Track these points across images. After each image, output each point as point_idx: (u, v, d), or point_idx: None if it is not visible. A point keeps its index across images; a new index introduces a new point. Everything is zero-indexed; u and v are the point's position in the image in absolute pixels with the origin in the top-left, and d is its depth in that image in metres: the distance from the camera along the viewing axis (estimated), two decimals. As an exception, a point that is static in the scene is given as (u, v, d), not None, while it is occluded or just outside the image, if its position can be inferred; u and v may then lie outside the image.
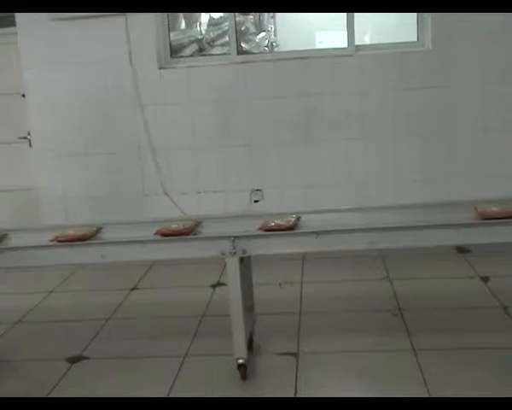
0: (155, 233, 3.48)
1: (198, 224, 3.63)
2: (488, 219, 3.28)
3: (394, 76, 5.59)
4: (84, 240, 3.51)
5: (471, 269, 4.94)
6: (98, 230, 3.68)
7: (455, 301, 4.38)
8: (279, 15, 6.94)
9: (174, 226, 3.54)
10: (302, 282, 4.91)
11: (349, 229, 3.35)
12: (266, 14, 6.77)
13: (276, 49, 6.64)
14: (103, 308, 4.64)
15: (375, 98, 5.62)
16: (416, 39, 5.74)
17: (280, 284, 4.85)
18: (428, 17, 5.54)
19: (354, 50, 5.67)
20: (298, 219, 3.53)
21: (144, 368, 3.67)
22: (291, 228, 3.40)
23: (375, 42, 6.07)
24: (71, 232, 3.59)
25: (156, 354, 3.85)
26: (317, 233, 3.33)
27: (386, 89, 5.60)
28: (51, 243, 3.51)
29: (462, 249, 5.25)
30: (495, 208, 3.36)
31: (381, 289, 4.69)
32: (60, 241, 3.51)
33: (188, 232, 3.47)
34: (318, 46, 6.75)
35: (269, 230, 3.39)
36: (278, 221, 3.46)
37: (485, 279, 4.72)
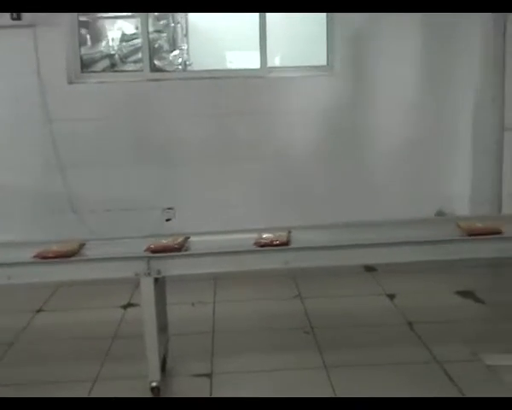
0: (146, 249, 3.39)
1: (187, 239, 3.56)
2: (473, 235, 3.44)
3: (305, 98, 5.70)
4: (69, 256, 3.39)
5: (378, 287, 5.09)
6: (81, 245, 3.55)
7: (364, 319, 4.50)
8: (192, 34, 6.96)
9: (165, 241, 3.48)
10: (215, 301, 4.89)
11: (264, 250, 3.37)
12: (180, 31, 6.78)
13: (189, 68, 6.64)
14: (6, 332, 4.42)
15: (287, 120, 5.71)
16: (325, 63, 5.89)
17: (193, 304, 4.81)
18: (338, 41, 5.71)
19: (267, 72, 5.76)
20: (288, 234, 3.53)
21: (51, 394, 3.51)
22: (286, 243, 3.41)
23: (287, 64, 6.18)
24: (54, 248, 3.45)
25: (64, 380, 3.71)
26: (230, 253, 3.35)
27: (298, 110, 5.70)
28: (37, 260, 3.37)
29: (369, 268, 5.38)
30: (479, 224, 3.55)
31: (293, 307, 4.74)
32: (44, 257, 3.37)
33: (179, 248, 3.41)
34: (229, 65, 6.83)
35: (264, 245, 3.39)
36: (271, 236, 3.46)
37: (391, 296, 4.88)
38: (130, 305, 4.84)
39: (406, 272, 4.81)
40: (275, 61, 6.56)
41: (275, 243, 3.41)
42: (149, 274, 3.23)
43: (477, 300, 4.77)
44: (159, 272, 3.25)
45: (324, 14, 5.80)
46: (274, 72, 5.81)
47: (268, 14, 5.71)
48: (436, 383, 3.50)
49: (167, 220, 5.67)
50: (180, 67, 6.59)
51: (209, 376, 3.66)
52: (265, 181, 5.73)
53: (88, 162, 5.63)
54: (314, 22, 5.99)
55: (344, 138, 5.75)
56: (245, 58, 6.45)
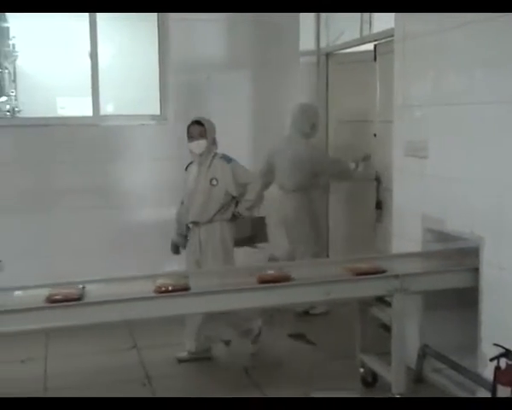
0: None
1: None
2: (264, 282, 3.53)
3: (138, 147, 5.72)
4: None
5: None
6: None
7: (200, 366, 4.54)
8: (21, 79, 6.75)
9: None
10: (46, 357, 4.68)
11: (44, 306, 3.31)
12: (7, 77, 6.54)
13: (18, 115, 6.41)
14: None
15: (119, 168, 5.69)
16: (158, 113, 5.97)
17: (22, 361, 4.58)
18: (171, 90, 5.83)
19: (99, 120, 5.71)
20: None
21: None
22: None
23: (120, 112, 6.17)
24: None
25: None
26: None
27: (131, 160, 5.70)
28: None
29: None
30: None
31: (129, 358, 4.69)
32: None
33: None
34: (60, 112, 6.69)
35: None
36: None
37: (226, 342, 4.91)
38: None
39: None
40: (108, 108, 6.54)
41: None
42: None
43: (308, 342, 5.00)
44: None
45: (157, 61, 5.92)
46: (107, 120, 5.77)
47: (100, 60, 5.72)
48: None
49: (-5, 272, 5.34)
50: (8, 113, 6.34)
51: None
52: (95, 230, 5.60)
53: None
54: (148, 70, 6.09)
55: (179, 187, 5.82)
56: (78, 104, 6.35)
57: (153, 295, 3.41)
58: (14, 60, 6.75)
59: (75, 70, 6.30)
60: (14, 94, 6.59)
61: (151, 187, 5.76)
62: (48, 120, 5.60)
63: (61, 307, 3.27)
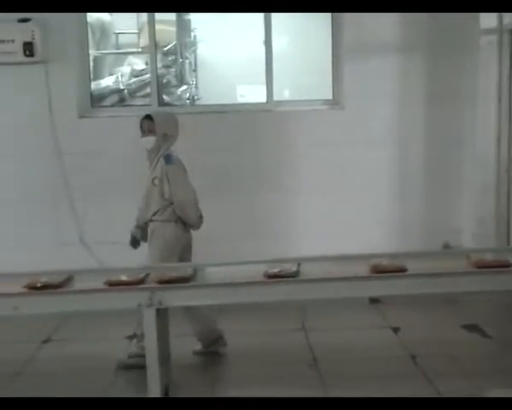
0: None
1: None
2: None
3: (311, 133, 5.76)
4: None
5: (383, 319, 5.08)
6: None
7: (367, 352, 4.50)
8: (201, 68, 7.09)
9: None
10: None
11: (261, 281, 3.41)
12: (188, 67, 6.90)
13: (197, 102, 6.74)
14: (13, 362, 4.45)
15: (292, 154, 5.76)
16: (331, 97, 5.96)
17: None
18: (344, 75, 5.79)
19: (273, 106, 5.83)
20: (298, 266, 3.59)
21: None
22: (293, 275, 3.48)
23: (294, 98, 6.25)
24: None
25: None
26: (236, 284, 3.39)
27: (304, 145, 5.75)
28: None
29: (374, 300, 5.34)
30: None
31: (297, 340, 4.75)
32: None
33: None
34: (240, 99, 6.93)
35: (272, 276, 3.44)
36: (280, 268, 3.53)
37: (395, 329, 4.87)
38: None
39: (411, 304, 4.81)
40: (284, 94, 6.66)
41: (283, 274, 3.44)
42: (151, 305, 3.27)
43: (484, 334, 4.76)
44: (160, 303, 3.29)
45: (330, 47, 5.90)
46: (280, 105, 5.87)
47: (274, 47, 5.78)
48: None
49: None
50: (188, 101, 6.68)
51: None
52: (272, 214, 5.74)
53: (97, 194, 5.68)
54: (321, 56, 6.10)
55: (352, 172, 5.78)
56: (255, 91, 6.54)
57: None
58: (195, 50, 7.11)
59: (252, 58, 6.49)
60: (194, 83, 6.95)
61: (324, 171, 5.77)
62: (223, 107, 5.84)
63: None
